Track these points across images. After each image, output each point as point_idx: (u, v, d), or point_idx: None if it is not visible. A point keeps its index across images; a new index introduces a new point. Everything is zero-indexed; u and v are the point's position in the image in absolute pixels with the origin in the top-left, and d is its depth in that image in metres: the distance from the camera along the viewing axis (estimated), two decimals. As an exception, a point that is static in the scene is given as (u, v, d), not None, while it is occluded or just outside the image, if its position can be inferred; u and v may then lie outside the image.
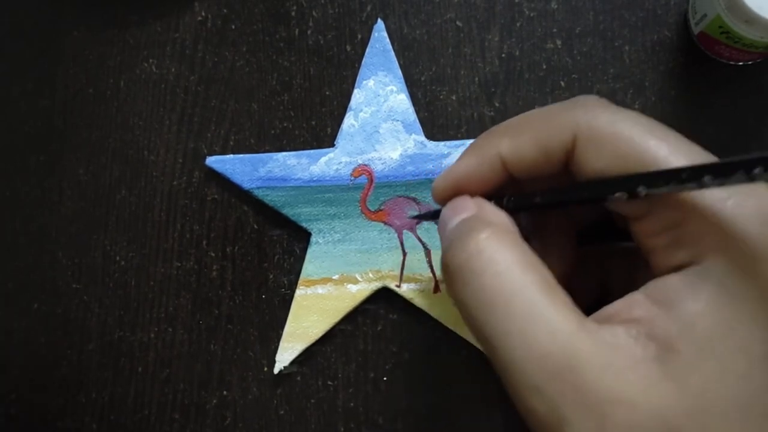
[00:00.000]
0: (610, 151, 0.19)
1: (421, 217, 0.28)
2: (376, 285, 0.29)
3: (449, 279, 0.21)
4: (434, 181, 0.23)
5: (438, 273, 0.29)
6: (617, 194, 0.19)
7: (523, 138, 0.21)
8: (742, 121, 0.30)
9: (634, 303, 0.20)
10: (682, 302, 0.18)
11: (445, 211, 0.23)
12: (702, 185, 0.17)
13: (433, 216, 0.26)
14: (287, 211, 0.29)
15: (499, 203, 0.22)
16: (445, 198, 0.23)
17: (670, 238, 0.19)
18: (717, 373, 0.18)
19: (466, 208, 0.22)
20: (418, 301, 0.29)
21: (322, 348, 0.30)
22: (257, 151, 0.30)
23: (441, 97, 0.30)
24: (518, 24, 0.30)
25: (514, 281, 0.19)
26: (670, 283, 0.19)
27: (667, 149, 0.19)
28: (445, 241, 0.22)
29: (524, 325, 0.19)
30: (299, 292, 0.29)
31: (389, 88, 0.30)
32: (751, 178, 0.16)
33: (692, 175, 0.17)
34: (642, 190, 0.19)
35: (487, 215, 0.21)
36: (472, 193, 0.23)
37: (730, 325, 0.18)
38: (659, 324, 0.18)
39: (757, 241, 0.18)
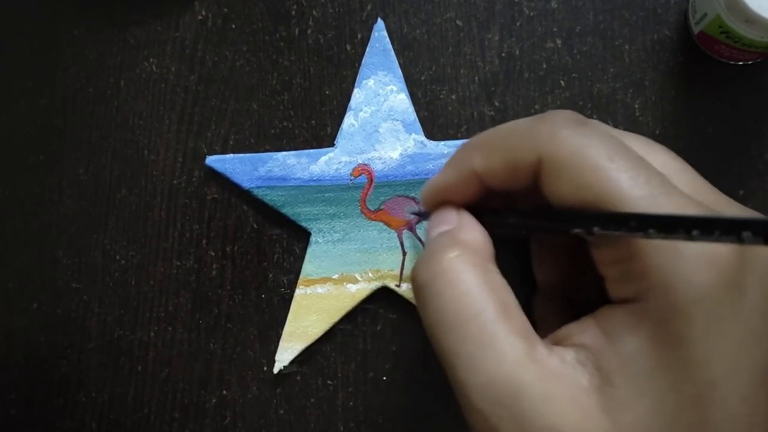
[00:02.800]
0: (569, 179, 0.20)
1: (420, 215, 0.29)
2: (375, 284, 0.29)
3: (414, 293, 0.22)
4: (421, 188, 0.24)
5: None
6: (576, 230, 0.20)
7: (495, 156, 0.22)
8: (742, 121, 0.30)
9: (586, 328, 0.20)
10: (623, 337, 0.19)
11: (431, 220, 0.24)
12: (648, 236, 0.18)
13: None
14: (287, 211, 0.29)
15: (482, 216, 0.23)
16: (432, 205, 0.24)
17: (620, 271, 0.20)
18: (649, 411, 0.18)
19: (447, 221, 0.23)
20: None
21: (321, 347, 0.30)
22: (257, 151, 0.30)
23: (441, 96, 0.30)
24: (518, 23, 0.30)
25: (470, 305, 0.20)
26: (616, 315, 0.20)
27: (627, 178, 0.19)
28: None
29: (474, 350, 0.19)
30: (299, 291, 0.29)
31: (389, 87, 0.30)
32: (690, 238, 0.16)
33: (639, 226, 0.18)
34: (597, 231, 0.19)
35: (461, 233, 0.22)
36: (458, 201, 0.23)
37: (664, 364, 0.18)
38: (604, 354, 0.19)
39: (696, 283, 0.18)
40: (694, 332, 0.18)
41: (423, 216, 0.28)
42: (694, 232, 0.16)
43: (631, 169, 0.19)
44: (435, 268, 0.21)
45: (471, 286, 0.20)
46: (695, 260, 0.18)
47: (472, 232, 0.22)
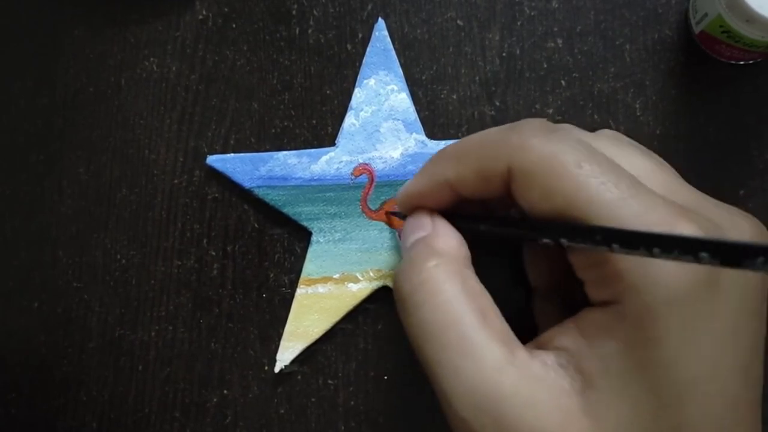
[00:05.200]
0: (539, 187, 0.20)
1: (396, 215, 0.29)
2: (376, 284, 0.29)
3: (397, 305, 0.22)
4: (397, 193, 0.25)
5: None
6: (545, 240, 0.20)
7: (466, 167, 0.22)
8: (742, 121, 0.30)
9: (567, 331, 0.20)
10: (601, 339, 0.19)
11: (405, 226, 0.24)
12: (612, 250, 0.18)
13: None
14: (288, 210, 0.29)
15: (456, 221, 0.23)
16: (408, 210, 0.24)
17: (595, 275, 0.20)
18: (630, 412, 0.18)
19: (422, 227, 0.23)
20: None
21: (322, 347, 0.30)
22: (258, 150, 0.30)
23: (442, 96, 0.30)
24: (519, 23, 0.30)
25: (450, 313, 0.20)
26: (595, 317, 0.20)
27: (597, 183, 0.19)
28: (402, 257, 0.23)
29: (455, 357, 0.20)
30: (300, 291, 0.29)
31: (390, 87, 0.30)
32: (651, 255, 0.17)
33: (604, 240, 0.18)
34: (564, 242, 0.19)
35: (438, 240, 0.22)
36: (432, 207, 0.24)
37: (642, 365, 0.18)
38: (584, 357, 0.19)
39: (668, 284, 0.18)
40: (669, 332, 0.18)
41: (400, 216, 0.29)
42: (655, 250, 0.16)
43: (600, 174, 0.19)
44: (415, 279, 0.21)
45: (450, 296, 0.20)
46: (666, 262, 0.18)
47: (448, 239, 0.22)
